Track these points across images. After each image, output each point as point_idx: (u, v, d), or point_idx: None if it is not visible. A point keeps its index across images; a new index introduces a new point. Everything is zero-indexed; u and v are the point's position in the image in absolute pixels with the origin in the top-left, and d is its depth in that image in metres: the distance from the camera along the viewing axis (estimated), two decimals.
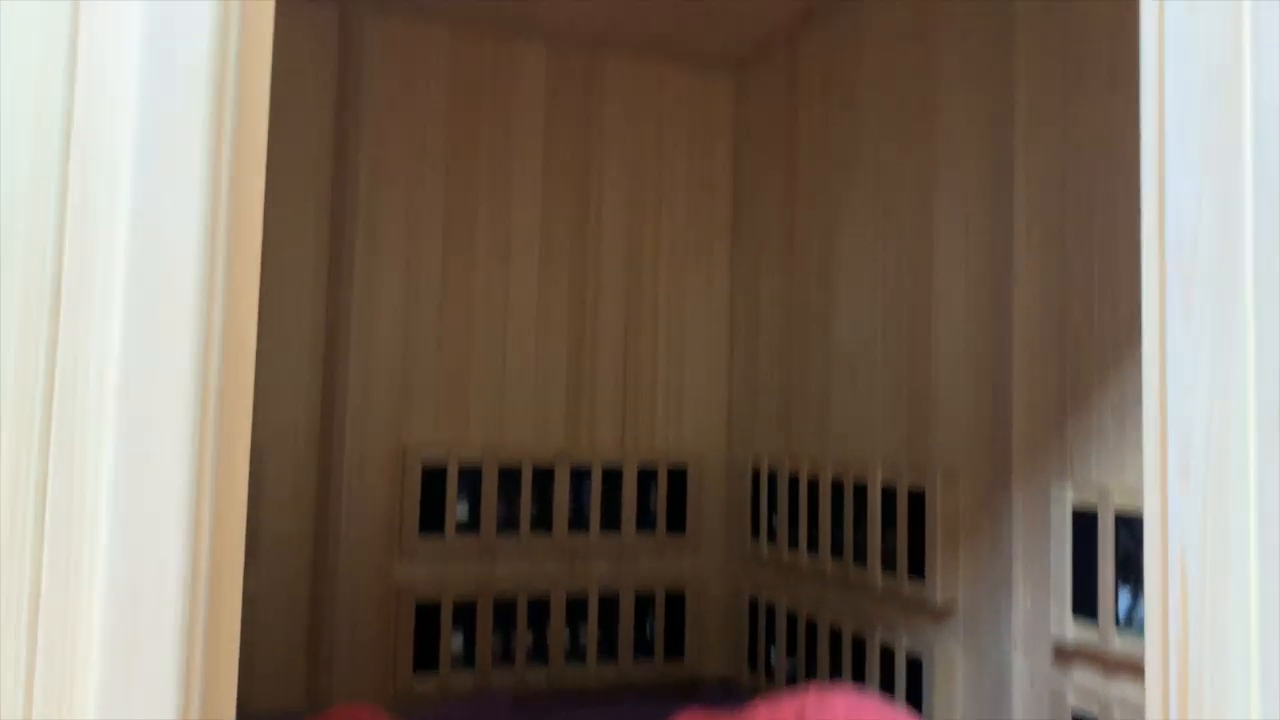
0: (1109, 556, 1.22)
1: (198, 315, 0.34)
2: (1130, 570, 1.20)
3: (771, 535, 1.97)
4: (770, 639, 1.96)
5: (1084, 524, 1.26)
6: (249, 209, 0.36)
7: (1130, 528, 1.20)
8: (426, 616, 1.92)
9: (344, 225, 1.92)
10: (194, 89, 0.34)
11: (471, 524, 1.96)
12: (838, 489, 1.77)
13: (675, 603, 2.12)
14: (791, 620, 1.89)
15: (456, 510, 1.95)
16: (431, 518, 1.93)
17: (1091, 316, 1.29)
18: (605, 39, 2.08)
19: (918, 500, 1.56)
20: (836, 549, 1.76)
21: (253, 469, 1.82)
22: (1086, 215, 1.31)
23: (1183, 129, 0.40)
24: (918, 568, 1.55)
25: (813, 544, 1.83)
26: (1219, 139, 0.38)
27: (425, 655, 1.91)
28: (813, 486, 1.84)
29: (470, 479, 1.97)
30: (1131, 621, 1.19)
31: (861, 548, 1.69)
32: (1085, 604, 1.25)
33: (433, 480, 1.93)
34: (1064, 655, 1.29)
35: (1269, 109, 0.37)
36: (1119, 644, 1.20)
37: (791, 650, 1.88)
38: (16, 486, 0.35)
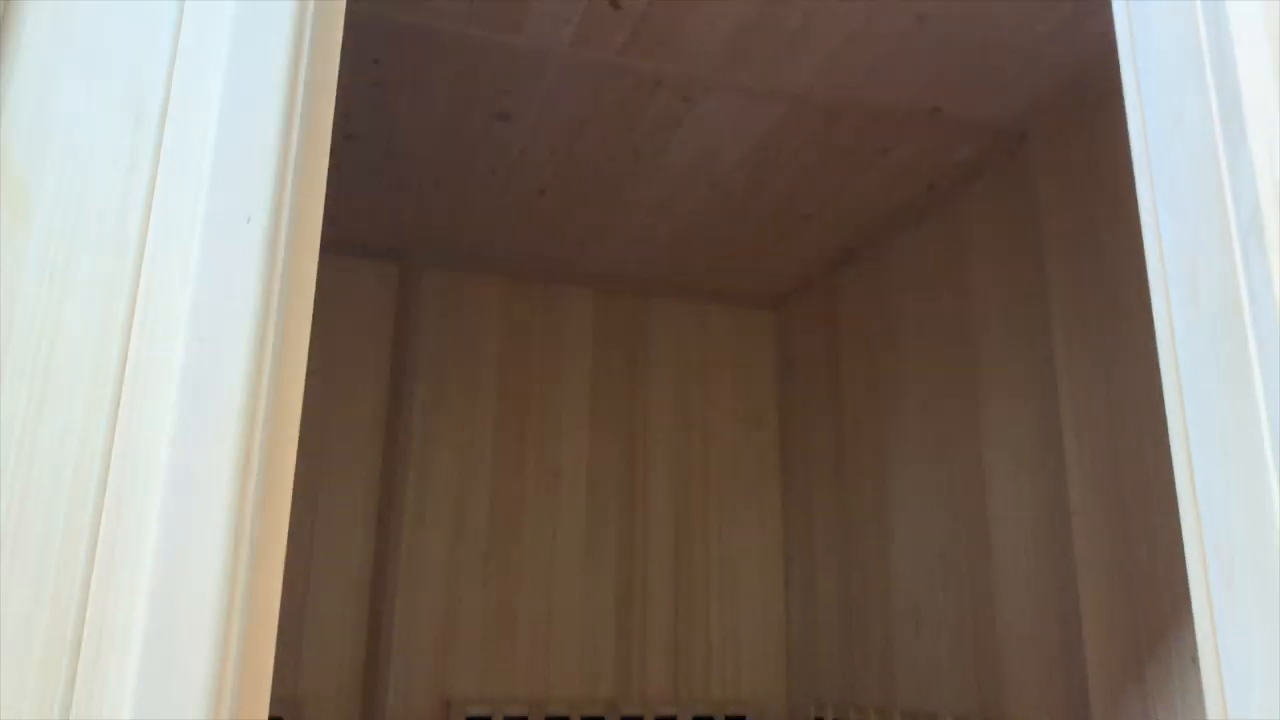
0: None
1: (214, 658, 0.35)
2: None
3: None
4: None
5: None
6: (273, 545, 0.37)
7: None
8: None
9: (395, 471, 1.96)
10: (225, 426, 0.37)
11: None
12: None
13: None
14: None
15: None
16: None
17: (1156, 553, 1.24)
18: (650, 283, 2.18)
19: None
20: None
21: None
22: (1136, 446, 1.29)
23: (1203, 424, 0.40)
24: None
25: None
26: (1237, 434, 0.38)
27: None
28: None
29: None
30: None
31: None
32: None
33: None
34: None
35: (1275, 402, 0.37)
36: None
37: None
38: None
